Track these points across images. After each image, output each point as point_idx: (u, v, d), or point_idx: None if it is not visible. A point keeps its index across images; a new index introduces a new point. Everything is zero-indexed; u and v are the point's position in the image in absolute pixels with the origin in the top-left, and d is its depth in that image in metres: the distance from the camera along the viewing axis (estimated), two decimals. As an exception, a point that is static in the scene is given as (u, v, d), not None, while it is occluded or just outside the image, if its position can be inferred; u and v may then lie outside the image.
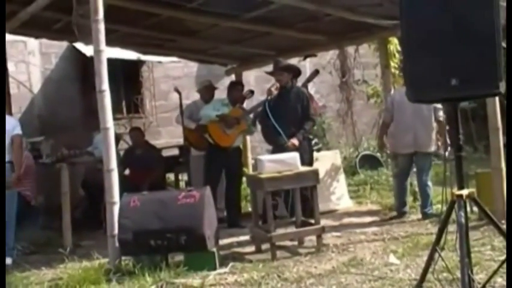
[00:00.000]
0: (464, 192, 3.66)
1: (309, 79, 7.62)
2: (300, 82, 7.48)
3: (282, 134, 6.48)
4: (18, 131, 6.17)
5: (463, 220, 3.58)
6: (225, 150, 7.18)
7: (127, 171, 8.19)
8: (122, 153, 8.07)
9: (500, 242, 4.96)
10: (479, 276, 4.14)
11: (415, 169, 7.14)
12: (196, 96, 8.28)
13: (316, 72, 7.68)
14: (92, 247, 5.90)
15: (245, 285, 4.67)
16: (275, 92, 6.65)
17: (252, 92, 7.63)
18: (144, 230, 5.11)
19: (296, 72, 6.84)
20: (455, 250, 3.97)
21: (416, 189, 7.44)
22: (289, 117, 6.58)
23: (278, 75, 6.73)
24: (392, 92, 7.33)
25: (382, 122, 7.22)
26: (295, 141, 6.48)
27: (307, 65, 10.69)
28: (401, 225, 6.56)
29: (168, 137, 10.85)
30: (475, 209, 5.13)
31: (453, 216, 3.73)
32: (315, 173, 5.85)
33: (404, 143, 6.90)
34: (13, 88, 9.62)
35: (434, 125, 6.82)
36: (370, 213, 7.55)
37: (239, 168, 7.52)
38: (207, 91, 7.97)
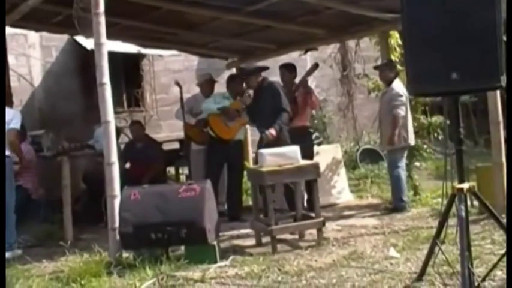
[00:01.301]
0: (465, 186, 3.67)
1: (309, 73, 7.60)
2: (299, 76, 7.50)
3: (261, 134, 6.57)
4: (14, 124, 6.13)
5: (463, 214, 3.59)
6: (226, 144, 7.17)
7: (127, 165, 8.19)
8: (122, 146, 8.08)
9: (500, 235, 4.97)
10: (479, 270, 4.14)
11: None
12: (197, 89, 8.28)
13: (315, 66, 7.66)
14: (92, 240, 5.91)
15: (245, 278, 4.68)
16: (249, 100, 6.82)
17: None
18: (145, 223, 5.12)
19: (262, 68, 7.02)
20: (455, 244, 3.99)
21: (417, 183, 7.46)
22: (265, 114, 6.62)
23: (247, 83, 6.84)
24: (398, 86, 7.11)
25: (401, 117, 7.00)
26: (272, 130, 6.46)
27: (307, 59, 10.69)
28: (402, 219, 6.57)
29: (168, 131, 10.85)
30: (476, 203, 5.14)
31: (453, 209, 3.75)
32: (316, 166, 5.86)
33: (412, 133, 7.17)
34: (14, 81, 9.61)
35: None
36: (370, 207, 7.56)
37: (240, 161, 7.52)
38: (207, 85, 7.96)
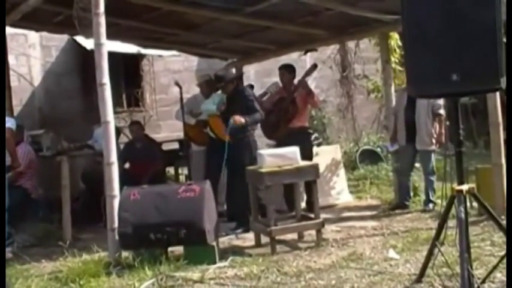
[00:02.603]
0: (464, 187, 3.67)
1: (307, 73, 7.60)
2: (298, 77, 7.50)
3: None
4: (10, 124, 6.13)
5: (463, 215, 3.59)
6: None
7: (127, 165, 8.19)
8: (122, 146, 8.07)
9: (499, 237, 4.97)
10: (479, 272, 4.14)
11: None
12: (197, 90, 8.28)
13: (314, 67, 7.65)
14: (91, 240, 5.91)
15: (245, 279, 4.68)
16: (224, 107, 6.80)
17: (251, 87, 7.62)
18: (144, 223, 5.12)
19: (239, 76, 7.11)
20: (455, 245, 3.99)
21: (417, 184, 7.47)
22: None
23: (227, 88, 6.78)
24: None
25: (444, 117, 6.96)
26: (240, 117, 6.38)
27: (307, 60, 10.69)
28: (401, 220, 6.57)
29: (168, 131, 10.84)
30: (475, 204, 5.14)
31: (453, 211, 3.75)
32: (315, 167, 5.86)
33: None
34: (14, 81, 9.60)
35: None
36: (369, 208, 7.55)
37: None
38: (207, 85, 7.94)
